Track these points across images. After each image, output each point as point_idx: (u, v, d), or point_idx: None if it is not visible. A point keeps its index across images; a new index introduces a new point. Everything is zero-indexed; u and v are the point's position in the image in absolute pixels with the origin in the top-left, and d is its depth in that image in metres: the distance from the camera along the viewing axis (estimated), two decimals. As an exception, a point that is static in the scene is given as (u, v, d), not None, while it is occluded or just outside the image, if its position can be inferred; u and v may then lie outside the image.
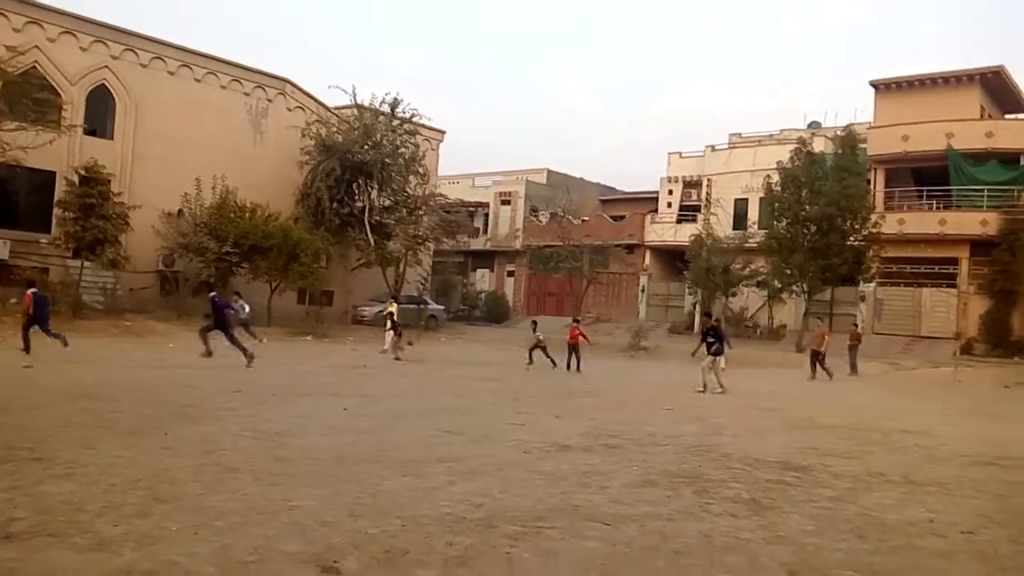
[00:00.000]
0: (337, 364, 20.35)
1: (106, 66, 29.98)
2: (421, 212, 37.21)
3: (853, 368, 26.16)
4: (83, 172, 25.86)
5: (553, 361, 22.90)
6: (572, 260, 41.42)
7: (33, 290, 18.40)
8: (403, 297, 36.60)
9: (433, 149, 41.69)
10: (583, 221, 45.54)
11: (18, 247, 27.03)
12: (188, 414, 10.64)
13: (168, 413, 10.60)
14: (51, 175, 28.05)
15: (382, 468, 7.92)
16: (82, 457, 7.52)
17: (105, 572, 4.66)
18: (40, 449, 7.73)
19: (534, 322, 26.45)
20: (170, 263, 29.92)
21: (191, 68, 32.49)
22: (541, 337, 23.66)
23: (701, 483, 7.95)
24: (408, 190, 36.50)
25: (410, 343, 22.18)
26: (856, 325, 30.85)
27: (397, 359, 22.80)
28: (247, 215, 29.88)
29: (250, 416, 10.80)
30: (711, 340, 18.36)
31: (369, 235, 34.76)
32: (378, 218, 35.71)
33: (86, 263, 26.00)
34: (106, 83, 30.08)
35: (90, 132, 29.18)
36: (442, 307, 41.29)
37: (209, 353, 18.23)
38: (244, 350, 17.69)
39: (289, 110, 35.76)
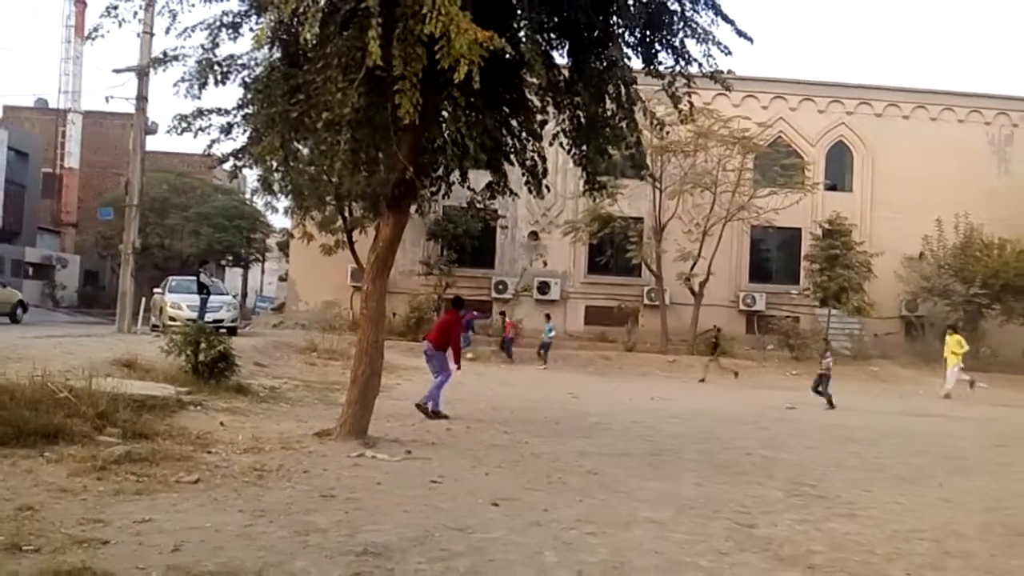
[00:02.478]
0: None
1: (842, 123, 31.40)
2: None
3: None
4: (826, 225, 27.37)
5: (828, 398, 16.72)
6: None
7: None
8: None
9: None
10: None
11: (772, 299, 30.03)
12: (957, 465, 10.17)
13: (935, 462, 10.31)
14: (797, 231, 30.47)
15: None
16: (860, 499, 7.83)
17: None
18: (820, 487, 8.32)
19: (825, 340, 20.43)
20: (913, 308, 29.35)
21: (926, 108, 31.64)
22: (825, 364, 17.40)
23: None
24: None
25: None
26: None
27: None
28: (995, 252, 27.37)
29: (1028, 475, 9.75)
30: None
31: None
32: None
33: (833, 311, 27.24)
34: (843, 139, 31.47)
35: (831, 187, 30.87)
36: None
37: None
38: None
39: (1038, 131, 31.82)
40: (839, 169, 31.54)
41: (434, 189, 9.78)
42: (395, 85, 7.34)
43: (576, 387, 18.07)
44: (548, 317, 25.69)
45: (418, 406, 11.82)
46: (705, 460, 9.70)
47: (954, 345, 21.28)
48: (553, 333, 24.71)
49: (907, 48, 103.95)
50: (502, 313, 24.92)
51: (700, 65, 9.05)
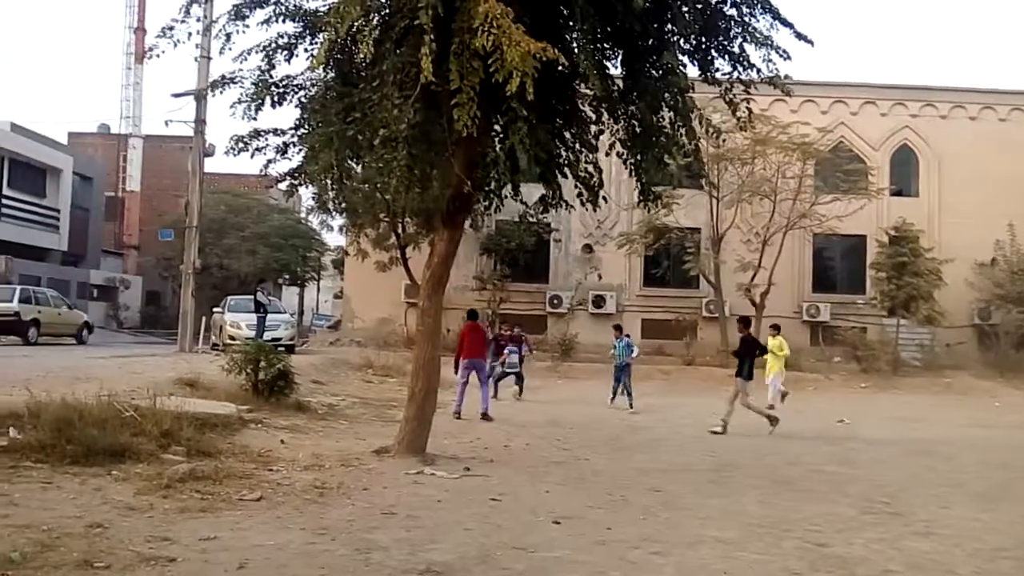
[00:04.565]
0: None
1: (906, 126, 30.50)
2: None
3: None
4: (892, 232, 26.59)
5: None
6: None
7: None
8: None
9: None
10: None
11: (837, 309, 29.25)
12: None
13: (1016, 477, 9.85)
14: (862, 239, 29.65)
15: None
16: (938, 516, 7.49)
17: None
18: (895, 504, 7.99)
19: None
20: (986, 316, 28.21)
21: (993, 109, 30.58)
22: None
23: None
24: None
25: None
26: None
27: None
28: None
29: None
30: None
31: None
32: None
33: (902, 321, 26.41)
34: (908, 142, 30.56)
35: (896, 193, 29.96)
36: None
37: None
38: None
39: (1120, 126, 30.46)
40: (904, 173, 30.68)
41: (487, 203, 9.76)
42: (451, 99, 7.33)
43: (635, 403, 17.77)
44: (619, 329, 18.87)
45: (484, 415, 13.35)
46: (769, 476, 9.42)
47: (775, 348, 17.24)
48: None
49: (969, 48, 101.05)
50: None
51: (758, 71, 8.85)
